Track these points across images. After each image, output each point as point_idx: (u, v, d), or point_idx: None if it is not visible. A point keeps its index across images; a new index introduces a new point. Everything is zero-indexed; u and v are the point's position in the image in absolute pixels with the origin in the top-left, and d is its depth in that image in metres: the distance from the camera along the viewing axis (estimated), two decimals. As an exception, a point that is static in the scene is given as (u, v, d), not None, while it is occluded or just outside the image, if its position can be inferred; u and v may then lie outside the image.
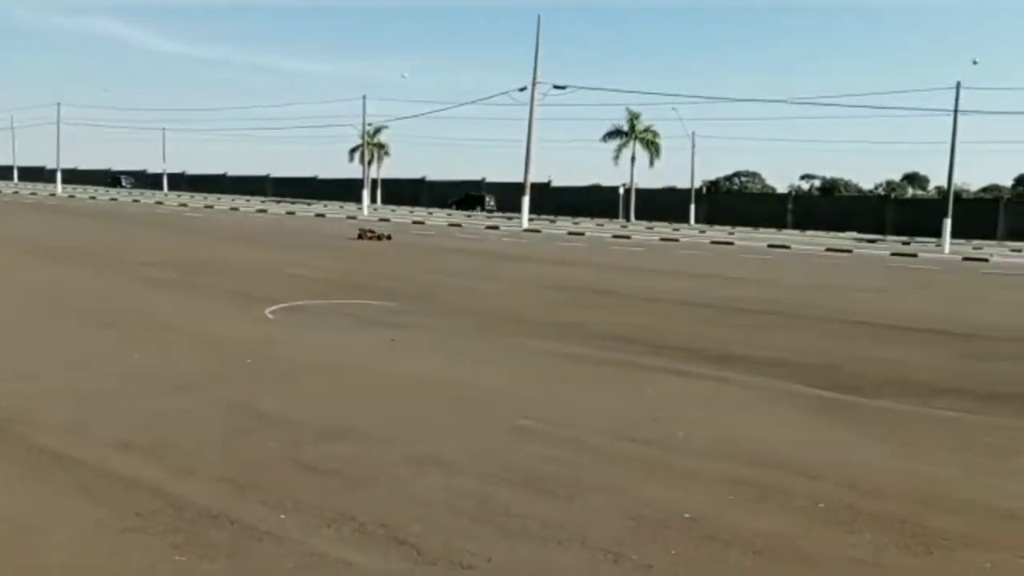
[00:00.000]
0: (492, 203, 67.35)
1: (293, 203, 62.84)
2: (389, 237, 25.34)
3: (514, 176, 49.28)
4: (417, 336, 9.19)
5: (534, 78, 40.99)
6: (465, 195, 69.74)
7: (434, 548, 3.60)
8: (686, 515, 4.10)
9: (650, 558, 3.60)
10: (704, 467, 4.91)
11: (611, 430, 5.65)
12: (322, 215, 45.20)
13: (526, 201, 42.17)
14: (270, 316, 10.01)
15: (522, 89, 41.50)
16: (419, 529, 3.79)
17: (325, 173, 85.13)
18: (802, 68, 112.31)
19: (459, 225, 40.02)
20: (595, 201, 67.71)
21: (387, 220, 41.71)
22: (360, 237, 24.89)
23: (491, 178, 75.05)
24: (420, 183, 78.33)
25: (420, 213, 55.02)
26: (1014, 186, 71.43)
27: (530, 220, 42.99)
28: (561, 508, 4.16)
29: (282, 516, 3.90)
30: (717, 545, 3.76)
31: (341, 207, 58.49)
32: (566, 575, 3.45)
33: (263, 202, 62.62)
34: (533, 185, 44.49)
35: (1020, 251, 41.51)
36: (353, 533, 3.75)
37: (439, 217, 50.05)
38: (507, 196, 60.21)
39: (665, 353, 8.72)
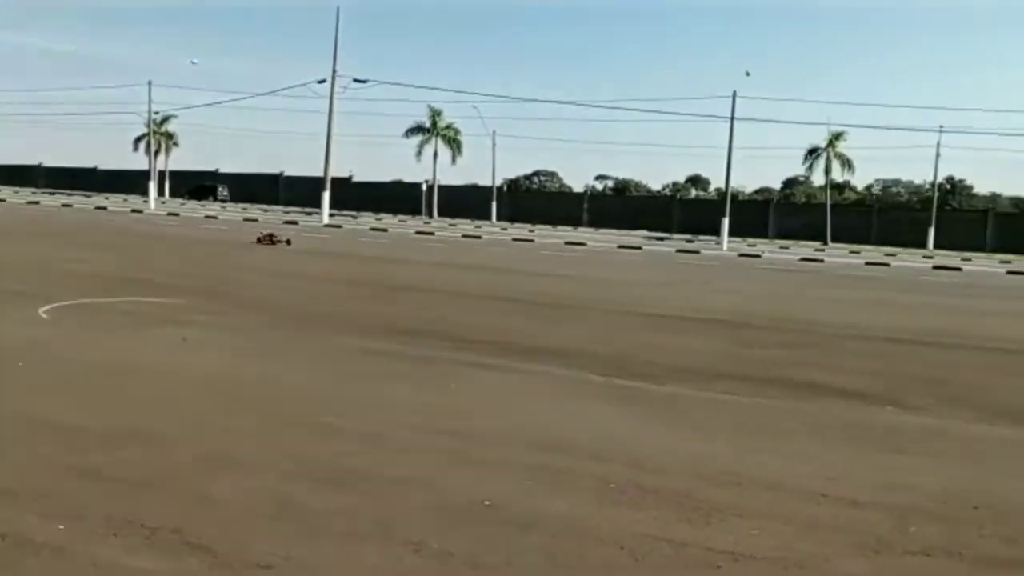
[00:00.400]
0: (225, 193, 67.89)
1: (70, 195, 58.22)
2: (288, 242, 23.03)
3: (314, 170, 48.26)
4: (211, 335, 8.81)
5: (334, 70, 40.32)
6: (198, 185, 69.28)
7: (230, 550, 3.49)
8: (486, 502, 4.20)
9: (452, 546, 3.66)
10: (504, 455, 5.05)
11: (414, 424, 5.68)
12: (103, 207, 42.23)
13: (326, 196, 41.38)
14: (45, 316, 9.24)
15: (321, 81, 40.74)
16: (214, 532, 3.66)
17: (107, 163, 79.56)
18: (599, 72, 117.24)
19: (255, 220, 38.62)
20: (398, 197, 67.59)
21: (176, 215, 39.64)
22: (259, 242, 22.60)
23: (290, 171, 73.12)
24: (213, 176, 74.87)
25: (213, 207, 52.57)
26: (782, 188, 78.13)
27: (331, 215, 42.22)
28: (363, 503, 4.15)
29: (62, 527, 3.64)
30: (515, 528, 3.89)
31: (125, 200, 55.00)
32: (369, 568, 3.45)
33: (34, 193, 57.56)
34: (334, 180, 43.74)
35: (788, 248, 45.47)
36: (143, 540, 3.56)
37: (233, 211, 48.09)
38: (307, 190, 58.82)
39: (469, 347, 8.85)
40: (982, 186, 72.16)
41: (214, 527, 3.71)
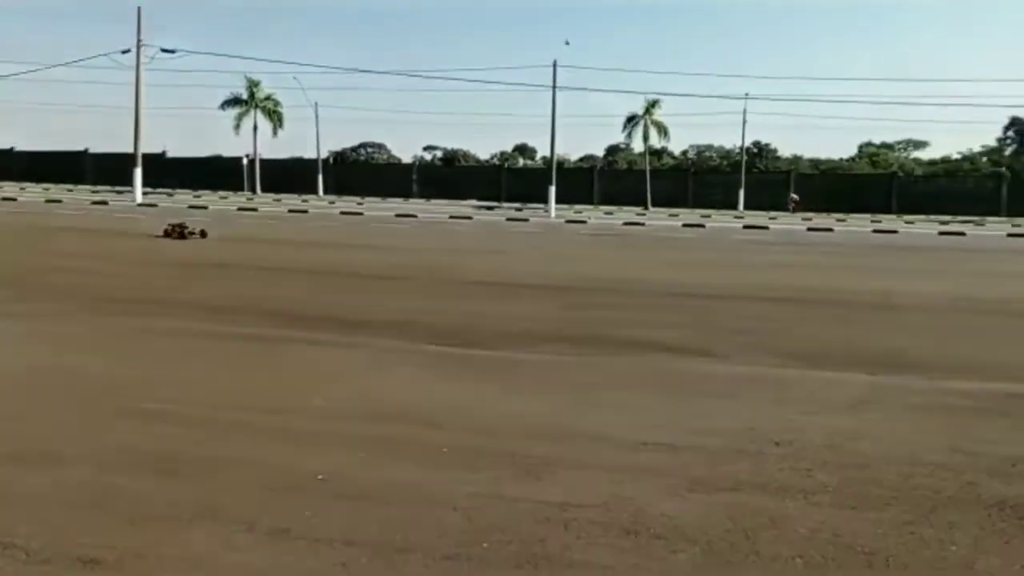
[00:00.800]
0: None
1: None
2: (204, 234, 19.07)
3: (123, 146, 45.44)
4: (12, 326, 8.21)
5: (138, 39, 37.96)
6: None
7: (46, 547, 3.32)
8: (320, 477, 4.20)
9: (286, 523, 3.64)
10: (337, 429, 5.04)
11: (244, 404, 5.56)
12: None
13: (138, 173, 39.12)
14: None
15: (126, 51, 38.25)
16: (27, 530, 3.46)
17: None
18: (425, 43, 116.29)
19: (59, 201, 36.02)
20: (217, 172, 64.61)
21: (-31, 197, 36.36)
22: (166, 235, 18.69)
23: (97, 148, 68.38)
24: (8, 154, 68.94)
25: (10, 189, 48.51)
26: (605, 156, 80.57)
27: (144, 193, 39.98)
28: (191, 487, 4.04)
29: None
30: (350, 501, 3.91)
31: None
32: (197, 552, 3.37)
33: None
34: (146, 156, 41.36)
35: (612, 213, 47.11)
36: (-55, 546, 3.33)
37: (34, 192, 44.60)
38: (116, 167, 55.25)
39: (297, 323, 8.70)
40: (785, 149, 77.14)
41: (28, 525, 3.52)
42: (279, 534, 3.54)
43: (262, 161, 61.55)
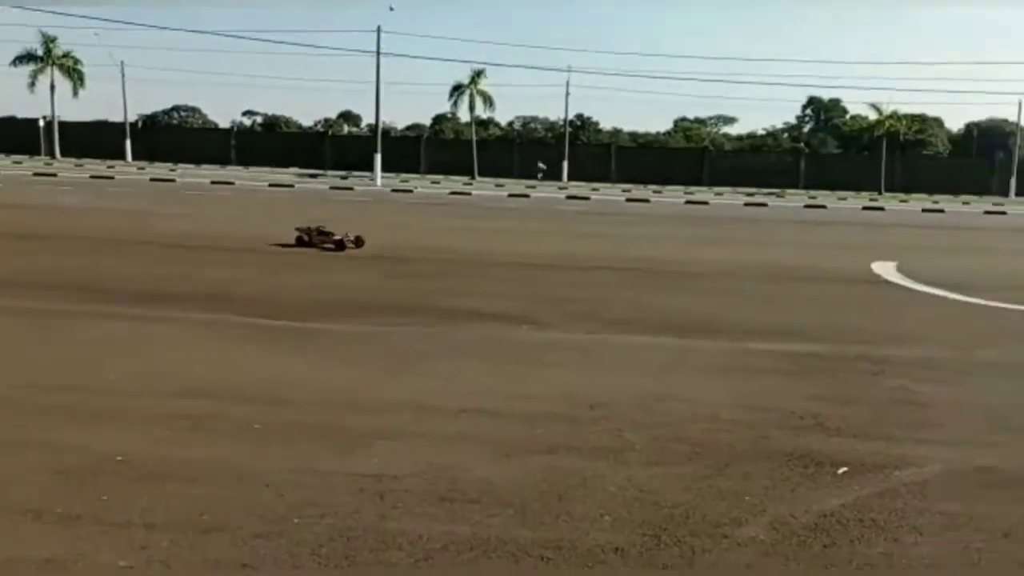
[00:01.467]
0: None
1: None
2: (359, 242, 12.95)
3: None
4: None
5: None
6: None
7: None
8: (119, 458, 3.94)
9: (78, 508, 3.40)
10: (137, 407, 4.76)
11: (30, 383, 5.15)
12: None
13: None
14: None
15: None
16: None
17: None
18: (241, 1, 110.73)
19: None
20: (11, 135, 59.14)
21: None
22: (299, 243, 12.82)
23: None
24: None
25: None
26: (432, 125, 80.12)
27: (-78, 157, 36.12)
28: (-32, 475, 3.69)
29: None
30: (151, 482, 3.70)
31: None
32: (-26, 546, 3.09)
33: None
34: (-76, 115, 37.31)
35: (439, 182, 46.99)
36: None
37: None
38: None
39: (96, 296, 8.15)
40: (607, 122, 79.41)
41: None
42: (71, 520, 3.31)
43: (63, 124, 56.91)
